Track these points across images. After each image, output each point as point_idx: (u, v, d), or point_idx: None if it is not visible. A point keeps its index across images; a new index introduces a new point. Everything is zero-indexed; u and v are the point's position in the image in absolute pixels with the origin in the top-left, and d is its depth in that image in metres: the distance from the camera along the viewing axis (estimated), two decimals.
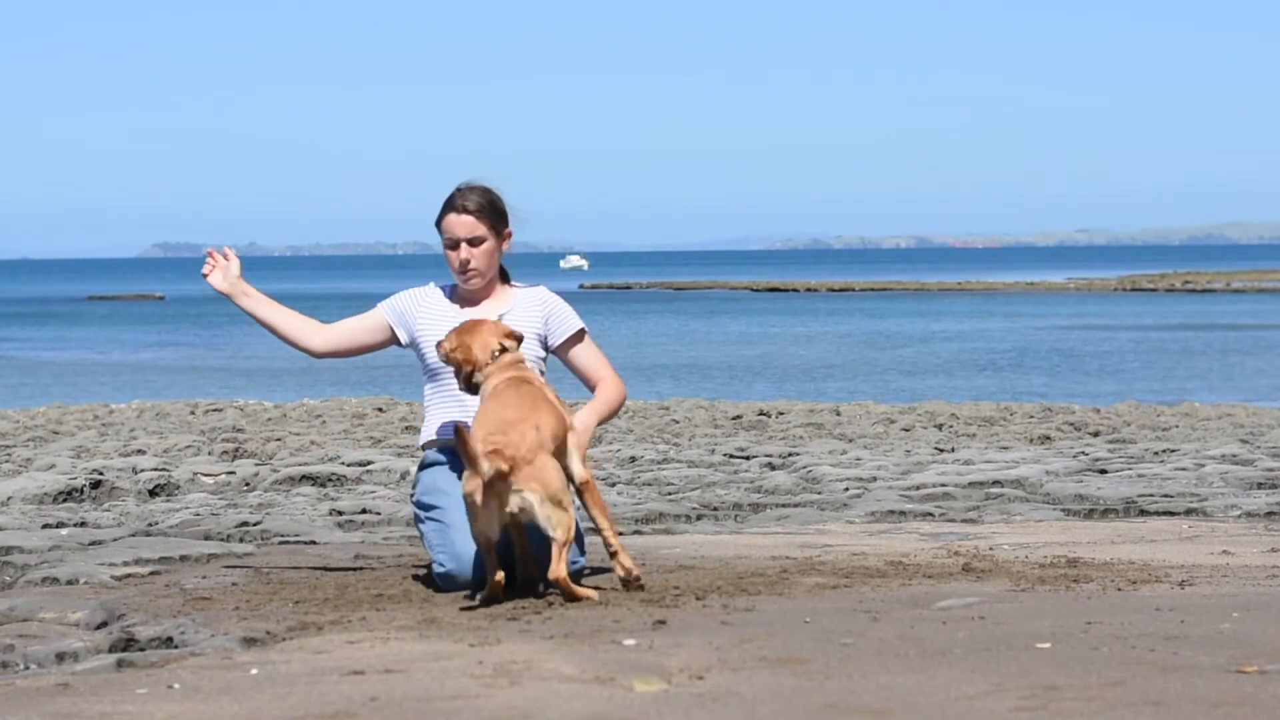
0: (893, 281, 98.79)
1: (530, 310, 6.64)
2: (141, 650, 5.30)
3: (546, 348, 6.66)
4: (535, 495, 5.77)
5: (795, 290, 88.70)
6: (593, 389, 6.68)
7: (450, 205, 6.62)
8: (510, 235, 6.66)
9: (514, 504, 5.77)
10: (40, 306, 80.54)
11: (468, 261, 6.56)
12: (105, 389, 29.96)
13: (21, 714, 4.32)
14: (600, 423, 6.51)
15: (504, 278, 6.76)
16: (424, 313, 6.68)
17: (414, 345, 6.70)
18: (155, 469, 11.45)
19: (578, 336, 6.67)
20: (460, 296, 6.69)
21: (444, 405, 6.59)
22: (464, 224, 6.56)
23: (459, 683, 4.56)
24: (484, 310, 6.61)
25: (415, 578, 6.58)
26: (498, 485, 5.73)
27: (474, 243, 6.56)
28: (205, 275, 6.76)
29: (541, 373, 6.53)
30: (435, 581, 6.34)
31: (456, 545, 6.24)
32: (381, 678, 4.64)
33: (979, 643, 5.03)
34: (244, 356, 41.11)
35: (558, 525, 5.79)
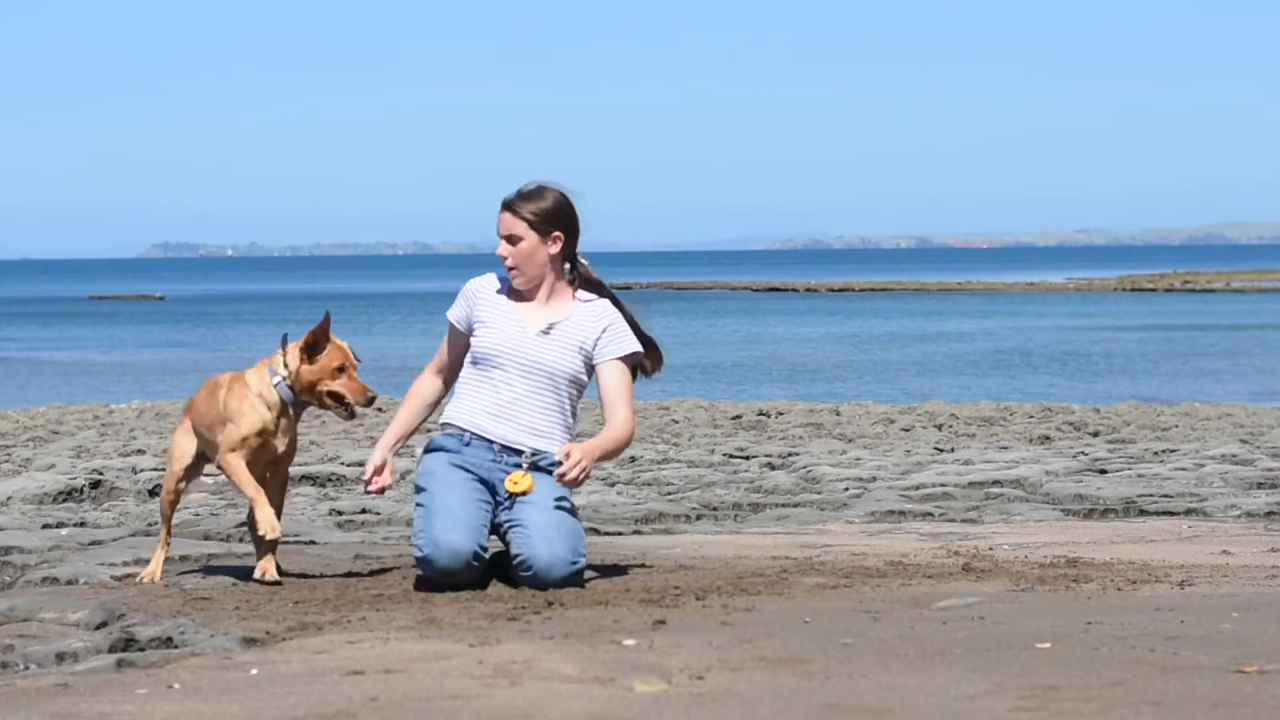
0: (893, 281, 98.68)
1: (585, 323, 6.60)
2: (141, 650, 5.30)
3: (591, 364, 6.62)
4: None
5: (795, 290, 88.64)
6: (606, 417, 6.66)
7: (502, 201, 6.65)
8: (560, 239, 6.56)
9: None
10: (40, 306, 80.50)
11: (504, 257, 6.60)
12: (105, 389, 29.94)
13: (21, 714, 4.32)
14: (601, 458, 6.47)
15: (588, 284, 6.69)
16: (481, 300, 6.67)
17: (470, 330, 6.69)
18: (155, 469, 11.45)
19: (625, 359, 6.64)
20: (511, 290, 6.69)
21: (478, 391, 6.60)
22: (503, 220, 6.60)
23: (459, 683, 4.56)
24: (534, 311, 6.61)
25: (415, 578, 6.58)
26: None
27: (511, 240, 6.57)
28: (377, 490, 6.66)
29: (581, 390, 6.62)
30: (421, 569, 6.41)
31: (434, 531, 6.32)
32: (381, 678, 4.64)
33: (979, 643, 5.03)
34: (244, 357, 41.11)
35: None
